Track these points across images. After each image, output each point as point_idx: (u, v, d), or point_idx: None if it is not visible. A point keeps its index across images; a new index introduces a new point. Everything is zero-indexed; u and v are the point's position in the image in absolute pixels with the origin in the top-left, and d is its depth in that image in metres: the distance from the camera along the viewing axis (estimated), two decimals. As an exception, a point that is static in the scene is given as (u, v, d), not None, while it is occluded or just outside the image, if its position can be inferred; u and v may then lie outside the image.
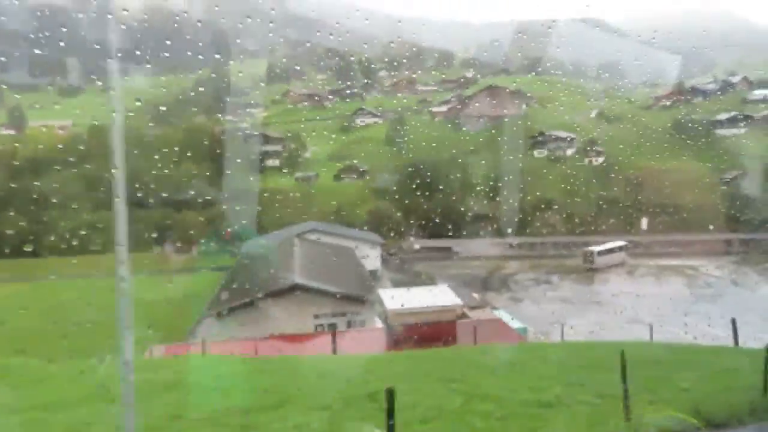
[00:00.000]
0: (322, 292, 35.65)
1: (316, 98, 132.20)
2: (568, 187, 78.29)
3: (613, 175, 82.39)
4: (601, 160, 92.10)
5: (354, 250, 52.98)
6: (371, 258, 54.49)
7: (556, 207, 73.80)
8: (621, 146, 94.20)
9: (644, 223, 69.77)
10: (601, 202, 74.38)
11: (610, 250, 59.04)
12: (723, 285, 51.29)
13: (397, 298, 31.34)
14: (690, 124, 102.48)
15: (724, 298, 46.50)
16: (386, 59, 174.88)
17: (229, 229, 54.87)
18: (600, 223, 70.91)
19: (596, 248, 57.96)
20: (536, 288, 50.62)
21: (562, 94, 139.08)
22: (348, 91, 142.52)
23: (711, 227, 69.06)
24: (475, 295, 41.31)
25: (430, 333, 29.41)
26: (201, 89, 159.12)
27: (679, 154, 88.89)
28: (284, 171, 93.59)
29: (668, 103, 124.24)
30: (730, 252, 64.60)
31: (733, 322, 19.72)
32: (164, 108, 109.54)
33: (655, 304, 44.90)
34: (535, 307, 44.69)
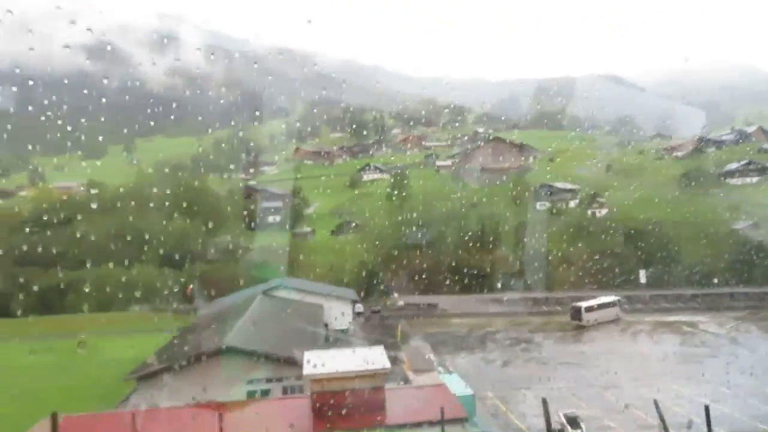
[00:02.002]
0: (257, 355, 32.34)
1: (324, 155, 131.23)
2: (566, 240, 73.92)
3: (615, 227, 77.91)
4: (604, 211, 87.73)
5: (321, 307, 49.65)
6: (342, 316, 50.96)
7: (551, 261, 69.44)
8: (627, 198, 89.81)
9: (642, 276, 64.85)
10: (600, 256, 69.75)
11: (601, 306, 54.28)
12: (720, 343, 46.06)
13: (321, 361, 27.68)
14: (700, 175, 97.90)
15: (717, 358, 41.47)
16: (401, 116, 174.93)
17: (191, 286, 52.06)
18: (597, 277, 66.21)
19: (584, 304, 53.32)
20: (514, 348, 46.11)
21: (573, 147, 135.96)
22: (358, 148, 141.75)
23: (715, 280, 63.89)
24: (430, 356, 37.32)
25: (355, 401, 25.71)
26: (219, 148, 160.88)
27: (686, 205, 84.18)
28: (281, 226, 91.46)
29: (680, 154, 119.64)
30: (735, 307, 59.09)
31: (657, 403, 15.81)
32: (167, 169, 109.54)
33: (639, 365, 40.22)
34: (505, 369, 40.34)
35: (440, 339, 49.00)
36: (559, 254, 71.10)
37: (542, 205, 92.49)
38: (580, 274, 67.65)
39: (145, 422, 24.64)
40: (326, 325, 49.81)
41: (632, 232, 75.15)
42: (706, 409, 18.60)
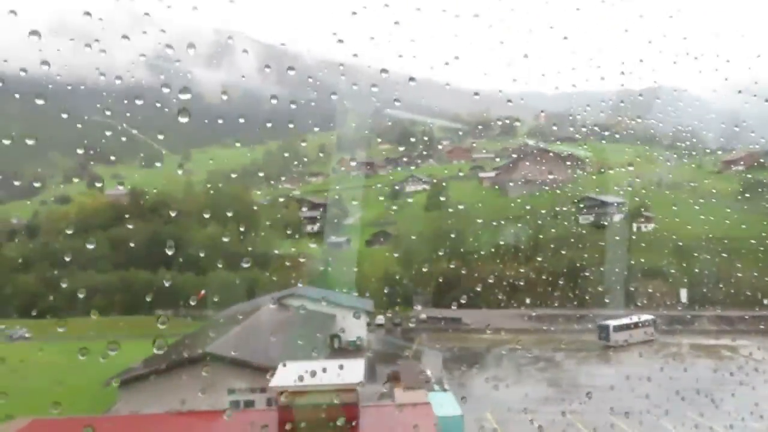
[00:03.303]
0: (241, 364, 31.14)
1: (369, 166, 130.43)
2: (606, 255, 69.89)
3: (661, 243, 73.26)
4: (651, 226, 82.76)
5: (333, 317, 48.18)
6: (356, 327, 49.29)
7: (587, 276, 65.63)
8: (677, 212, 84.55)
9: (683, 295, 60.23)
10: (640, 272, 65.46)
11: (632, 325, 50.52)
12: (759, 371, 41.73)
13: (295, 373, 26.14)
14: (759, 189, 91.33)
15: (753, 390, 37.37)
16: (451, 128, 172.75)
17: (202, 292, 51.60)
18: (635, 295, 62.02)
19: (613, 322, 49.75)
20: (530, 367, 43.26)
21: (626, 160, 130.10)
22: (404, 159, 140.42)
23: (766, 302, 58.57)
24: (427, 373, 35.15)
25: (324, 417, 24.03)
26: (270, 159, 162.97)
27: (740, 221, 78.38)
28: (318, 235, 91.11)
29: (740, 167, 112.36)
30: (787, 331, 53.95)
31: None
32: (214, 178, 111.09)
33: (661, 391, 36.69)
34: (514, 389, 37.64)
35: (455, 354, 46.70)
36: (597, 269, 67.21)
37: (585, 218, 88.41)
38: (617, 290, 63.55)
39: (103, 428, 23.77)
40: (338, 336, 48.34)
41: (678, 248, 70.41)
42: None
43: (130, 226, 72.79)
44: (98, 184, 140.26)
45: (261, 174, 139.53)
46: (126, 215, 76.91)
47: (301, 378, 24.63)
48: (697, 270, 66.05)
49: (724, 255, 68.94)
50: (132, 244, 68.47)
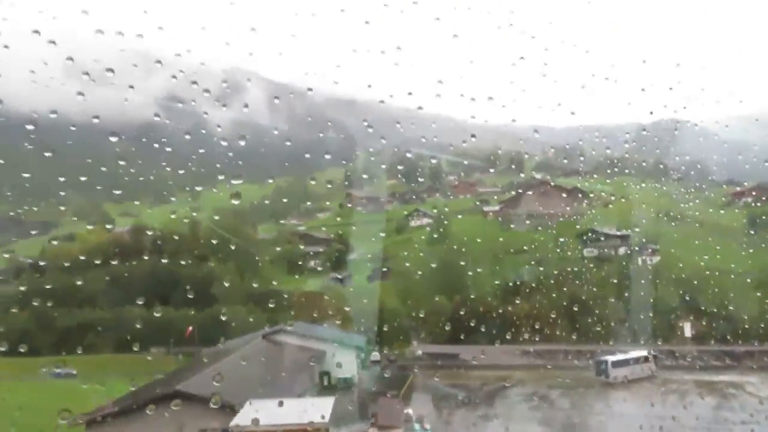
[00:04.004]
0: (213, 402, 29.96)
1: (374, 201, 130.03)
2: (608, 289, 68.19)
3: (666, 276, 71.39)
4: (656, 259, 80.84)
5: (323, 354, 46.92)
6: (348, 363, 47.90)
7: (589, 310, 63.78)
8: (684, 246, 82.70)
9: (687, 329, 58.14)
10: (643, 306, 63.50)
11: (631, 361, 48.60)
12: (762, 409, 39.66)
13: (262, 412, 25.04)
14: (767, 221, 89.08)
15: (751, 426, 35.45)
16: (458, 163, 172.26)
17: (190, 328, 50.64)
18: (637, 329, 59.99)
19: (611, 358, 47.90)
20: (523, 404, 41.49)
21: (633, 193, 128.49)
22: (410, 194, 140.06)
23: (774, 337, 56.30)
24: (409, 411, 33.61)
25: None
26: (278, 195, 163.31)
27: (749, 255, 76.32)
28: (321, 271, 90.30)
29: (748, 200, 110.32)
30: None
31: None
32: (220, 216, 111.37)
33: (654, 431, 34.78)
34: (501, 429, 35.97)
35: (447, 392, 45.07)
36: (599, 303, 65.38)
37: (589, 252, 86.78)
38: (618, 325, 61.63)
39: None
40: (327, 374, 47.05)
41: (684, 282, 68.41)
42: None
43: (133, 263, 72.48)
44: (108, 226, 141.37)
45: (268, 210, 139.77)
46: (126, 252, 76.68)
47: (256, 421, 23.55)
48: (701, 304, 64.01)
49: (730, 288, 66.96)
50: (129, 281, 68.08)
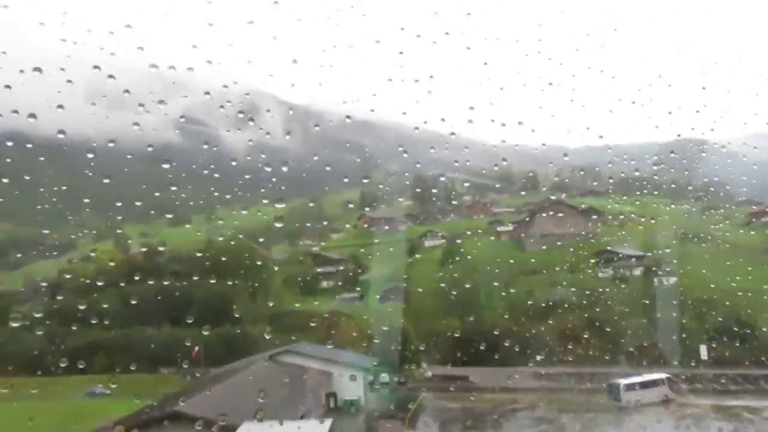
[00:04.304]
0: (209, 423, 29.53)
1: (388, 222, 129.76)
2: (623, 310, 66.81)
3: (682, 297, 69.77)
4: (672, 280, 79.05)
5: (330, 375, 46.33)
6: (355, 385, 47.23)
7: (604, 332, 62.42)
8: (701, 266, 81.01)
9: (704, 352, 56.50)
10: (658, 328, 62.05)
11: (646, 384, 47.24)
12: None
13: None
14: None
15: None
16: (474, 184, 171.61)
17: (196, 349, 50.35)
18: (653, 352, 58.55)
19: (624, 381, 46.61)
20: (530, 429, 40.45)
21: (650, 213, 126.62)
22: (424, 215, 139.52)
23: (793, 360, 54.53)
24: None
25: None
26: (293, 216, 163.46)
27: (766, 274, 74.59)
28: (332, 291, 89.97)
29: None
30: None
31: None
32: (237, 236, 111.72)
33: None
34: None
35: (454, 415, 44.22)
36: (613, 325, 64.00)
37: (604, 272, 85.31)
38: (634, 347, 60.21)
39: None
40: (334, 395, 46.40)
41: (701, 303, 66.84)
42: None
43: (146, 283, 72.77)
44: (129, 240, 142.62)
45: (282, 231, 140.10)
46: (140, 272, 77.04)
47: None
48: (719, 326, 62.40)
49: (749, 310, 65.32)
50: (141, 301, 68.26)
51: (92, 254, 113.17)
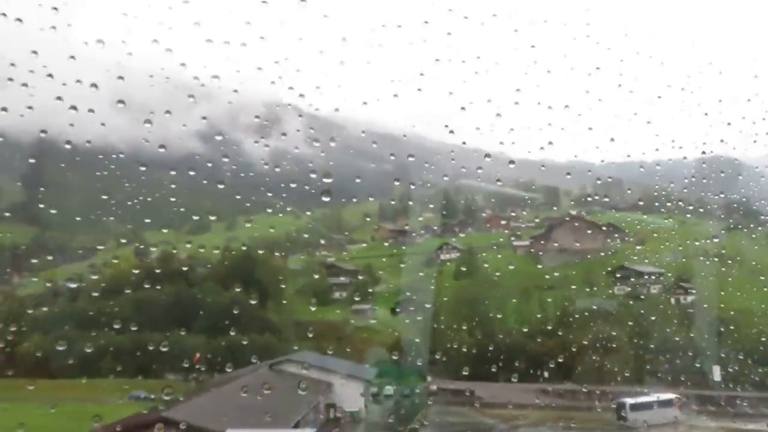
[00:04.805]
0: (196, 430, 29.33)
1: (406, 235, 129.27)
2: (637, 328, 65.22)
3: (698, 317, 67.85)
4: (690, 299, 77.10)
5: (330, 386, 45.85)
6: (353, 396, 46.64)
7: (614, 350, 60.97)
8: (721, 285, 78.80)
9: (717, 373, 54.52)
10: (673, 347, 60.29)
11: (653, 404, 45.77)
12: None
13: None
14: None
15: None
16: (495, 198, 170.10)
17: (197, 355, 50.28)
18: (664, 372, 56.87)
19: (630, 400, 45.23)
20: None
21: (673, 231, 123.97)
22: (442, 228, 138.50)
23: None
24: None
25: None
26: (312, 227, 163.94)
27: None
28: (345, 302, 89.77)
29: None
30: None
31: None
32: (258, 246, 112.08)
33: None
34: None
35: (455, 430, 43.24)
36: (625, 343, 62.48)
37: (620, 290, 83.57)
38: (645, 366, 58.61)
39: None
40: (333, 405, 45.90)
41: (718, 323, 64.86)
42: None
43: (157, 288, 73.39)
44: (151, 248, 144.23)
45: (300, 241, 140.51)
46: (154, 278, 77.74)
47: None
48: (737, 346, 60.41)
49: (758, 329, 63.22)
50: (151, 307, 68.82)
51: (114, 261, 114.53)
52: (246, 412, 34.43)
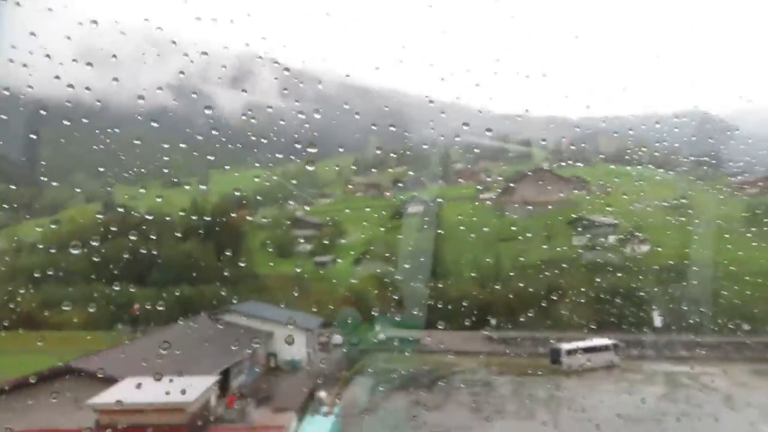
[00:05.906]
0: (108, 380, 29.06)
1: (375, 187, 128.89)
2: (589, 278, 65.70)
3: (649, 265, 68.58)
4: (645, 248, 77.72)
5: (271, 335, 45.91)
6: (296, 345, 46.80)
7: (563, 298, 61.50)
8: (676, 236, 79.43)
9: (657, 318, 55.43)
10: (620, 295, 60.96)
11: (589, 349, 46.48)
12: (705, 401, 37.42)
13: (133, 390, 23.89)
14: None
15: (688, 420, 33.29)
16: (467, 151, 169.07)
17: (136, 306, 49.99)
18: (610, 318, 57.63)
19: (566, 345, 45.86)
20: (461, 392, 39.91)
21: (637, 184, 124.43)
22: (412, 181, 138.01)
23: (747, 327, 53.36)
24: (321, 394, 32.29)
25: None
26: (282, 181, 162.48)
27: (742, 246, 72.90)
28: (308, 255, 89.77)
29: (754, 190, 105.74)
30: (765, 358, 48.88)
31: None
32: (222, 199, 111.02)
33: (578, 422, 32.85)
34: (426, 415, 34.46)
35: (391, 377, 43.66)
36: (576, 292, 63.04)
37: (579, 240, 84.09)
38: (591, 313, 59.27)
39: None
40: (274, 355, 46.06)
41: (667, 271, 65.58)
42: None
43: (114, 243, 72.38)
44: (120, 209, 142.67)
45: (272, 195, 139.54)
46: (111, 233, 76.70)
47: (119, 402, 22.50)
48: (685, 294, 61.22)
49: (719, 280, 63.97)
50: (107, 261, 67.98)
51: (77, 216, 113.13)
52: (169, 360, 34.30)
